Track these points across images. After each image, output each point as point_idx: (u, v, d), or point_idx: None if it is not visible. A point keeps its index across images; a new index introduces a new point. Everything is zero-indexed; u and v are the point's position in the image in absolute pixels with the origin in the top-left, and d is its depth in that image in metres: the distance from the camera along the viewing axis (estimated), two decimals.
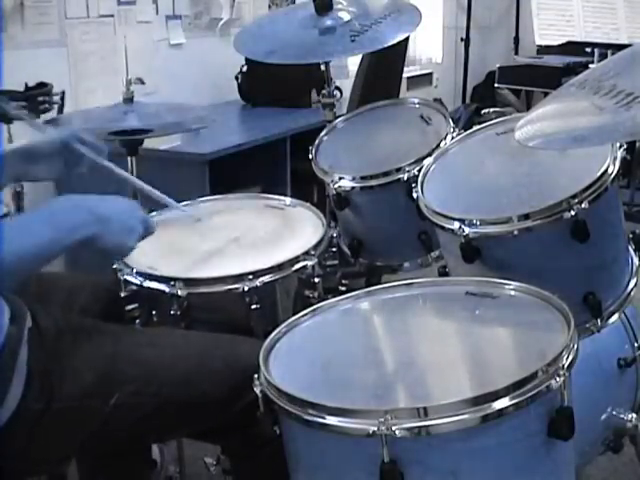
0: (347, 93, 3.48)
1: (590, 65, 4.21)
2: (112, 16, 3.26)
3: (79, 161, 1.46)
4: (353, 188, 1.71)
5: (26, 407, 1.13)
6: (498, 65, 5.08)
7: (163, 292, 1.40)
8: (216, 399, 1.26)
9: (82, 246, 1.18)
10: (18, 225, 1.17)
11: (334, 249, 1.60)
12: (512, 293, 1.23)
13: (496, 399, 0.95)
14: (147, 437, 1.41)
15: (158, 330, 1.43)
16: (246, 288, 1.38)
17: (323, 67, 2.04)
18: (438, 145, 1.68)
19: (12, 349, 1.13)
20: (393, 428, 0.93)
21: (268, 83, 3.56)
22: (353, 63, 3.72)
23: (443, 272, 1.58)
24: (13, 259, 1.07)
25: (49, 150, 1.44)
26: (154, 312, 1.47)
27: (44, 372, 1.15)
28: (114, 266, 1.45)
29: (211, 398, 1.26)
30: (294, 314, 1.26)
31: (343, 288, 1.73)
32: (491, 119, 1.67)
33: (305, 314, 1.26)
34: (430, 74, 5.27)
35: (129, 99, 1.91)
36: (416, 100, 1.94)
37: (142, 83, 2.03)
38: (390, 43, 1.90)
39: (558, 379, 0.98)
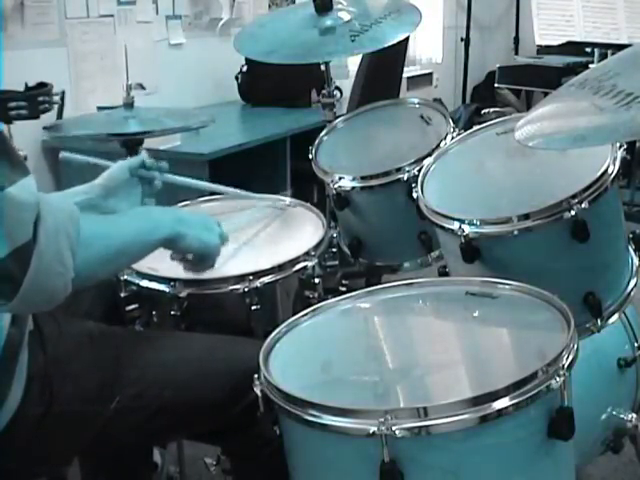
0: (347, 93, 3.48)
1: (590, 65, 4.20)
2: (112, 16, 3.26)
3: (151, 185, 1.50)
4: (353, 188, 1.71)
5: (26, 411, 1.13)
6: (498, 65, 5.08)
7: (163, 293, 1.41)
8: (217, 401, 1.26)
9: (168, 244, 1.24)
10: (105, 220, 1.23)
11: (334, 249, 1.60)
12: (512, 293, 1.23)
13: (496, 399, 0.95)
14: (148, 440, 1.41)
15: (159, 333, 1.43)
16: (246, 289, 1.39)
17: (323, 67, 2.04)
18: (438, 145, 1.68)
19: (12, 352, 1.12)
20: (393, 428, 0.93)
21: (268, 83, 3.56)
22: (353, 63, 3.71)
23: (443, 272, 1.58)
24: (100, 250, 1.10)
25: (123, 182, 1.45)
26: (154, 313, 1.47)
27: (45, 376, 1.15)
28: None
29: (212, 400, 1.25)
30: (294, 314, 1.26)
31: (343, 288, 1.73)
32: (491, 119, 1.67)
33: (305, 314, 1.26)
34: (430, 74, 5.27)
35: (129, 104, 1.91)
36: (416, 100, 1.94)
37: (142, 88, 2.03)
38: (390, 43, 1.90)
39: (558, 379, 0.98)
